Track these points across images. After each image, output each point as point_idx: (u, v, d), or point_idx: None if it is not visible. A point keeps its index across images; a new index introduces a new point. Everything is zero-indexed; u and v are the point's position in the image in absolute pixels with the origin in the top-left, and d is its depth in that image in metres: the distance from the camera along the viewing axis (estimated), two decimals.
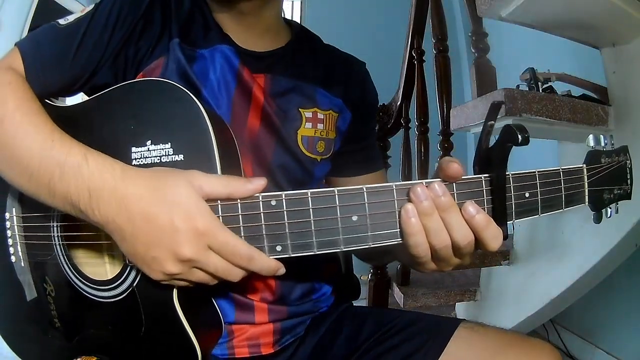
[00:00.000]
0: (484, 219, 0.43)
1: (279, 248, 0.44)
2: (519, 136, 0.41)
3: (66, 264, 0.56)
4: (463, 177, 0.44)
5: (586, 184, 0.50)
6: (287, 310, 0.66)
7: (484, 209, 0.44)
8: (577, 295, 1.44)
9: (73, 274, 0.56)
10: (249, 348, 0.64)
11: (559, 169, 0.48)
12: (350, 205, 0.43)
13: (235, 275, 0.45)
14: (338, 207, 0.43)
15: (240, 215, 0.44)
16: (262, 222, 0.44)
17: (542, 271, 1.46)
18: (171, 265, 0.43)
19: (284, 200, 0.43)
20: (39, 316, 0.59)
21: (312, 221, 0.43)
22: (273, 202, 0.44)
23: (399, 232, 0.44)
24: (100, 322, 0.54)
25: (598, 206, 0.53)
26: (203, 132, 0.47)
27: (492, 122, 0.44)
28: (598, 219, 0.53)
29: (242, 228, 0.44)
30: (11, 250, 0.61)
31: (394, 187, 0.44)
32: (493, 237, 0.43)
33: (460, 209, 0.43)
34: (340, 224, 0.43)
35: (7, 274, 0.61)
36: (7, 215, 0.61)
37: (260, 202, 0.44)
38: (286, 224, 0.44)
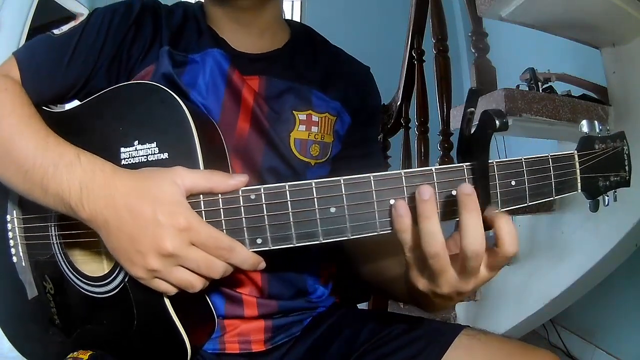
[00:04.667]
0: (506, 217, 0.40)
1: (259, 241, 0.45)
2: (497, 121, 0.40)
3: (63, 262, 0.57)
4: (444, 166, 0.43)
5: (578, 170, 0.48)
6: (277, 304, 0.65)
7: None
8: (577, 295, 1.44)
9: (70, 271, 0.57)
10: (239, 344, 0.64)
11: (547, 156, 0.46)
12: (328, 197, 0.44)
13: (217, 269, 0.45)
14: (315, 199, 0.44)
15: (221, 210, 0.45)
16: (243, 215, 0.45)
17: (542, 271, 1.46)
18: (153, 260, 0.44)
19: (262, 193, 0.44)
20: (40, 314, 0.60)
21: (290, 213, 0.44)
22: (252, 196, 0.45)
23: (377, 223, 0.44)
24: (96, 317, 0.55)
25: (593, 194, 0.50)
26: (186, 131, 0.49)
27: (472, 109, 0.43)
28: (595, 207, 0.51)
29: (223, 222, 0.45)
30: (12, 250, 0.62)
31: (372, 178, 0.43)
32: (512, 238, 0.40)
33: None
34: (318, 215, 0.44)
35: (8, 274, 0.62)
36: (9, 217, 0.62)
37: (240, 197, 0.45)
38: (265, 216, 0.44)
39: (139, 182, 0.46)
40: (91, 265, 0.56)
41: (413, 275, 0.45)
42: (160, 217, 0.43)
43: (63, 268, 0.57)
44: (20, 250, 0.62)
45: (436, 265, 0.41)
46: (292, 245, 0.45)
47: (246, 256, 0.45)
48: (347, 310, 0.72)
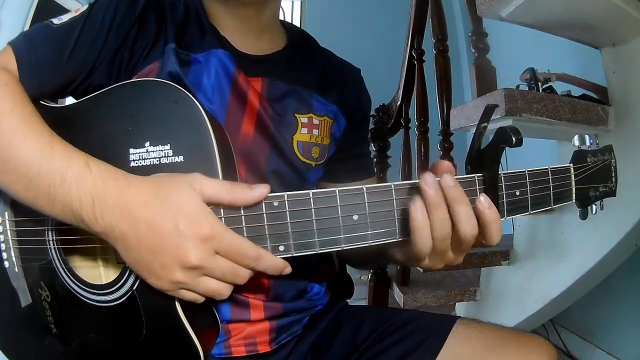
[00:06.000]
0: (495, 212, 0.45)
1: (281, 248, 0.45)
2: (513, 138, 0.44)
3: (62, 268, 0.55)
4: (457, 177, 0.45)
5: (573, 182, 0.53)
6: (282, 306, 0.66)
7: None
8: (577, 295, 1.44)
9: (70, 278, 0.55)
10: (245, 347, 0.64)
11: (547, 169, 0.50)
12: (350, 205, 0.45)
13: (243, 276, 0.44)
14: (339, 207, 0.44)
15: (243, 216, 0.44)
16: (265, 222, 0.44)
17: (542, 271, 1.46)
18: (178, 273, 0.42)
19: (286, 201, 0.44)
20: (34, 322, 0.58)
21: (314, 221, 0.44)
22: (275, 203, 0.44)
23: (397, 230, 0.45)
24: (98, 326, 0.53)
25: (584, 203, 0.55)
26: (203, 134, 0.47)
27: (486, 124, 0.46)
28: (584, 216, 0.55)
29: (245, 229, 0.44)
30: (4, 255, 0.59)
31: (393, 187, 0.45)
32: (498, 232, 0.45)
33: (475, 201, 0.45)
34: (341, 222, 0.45)
35: (0, 280, 0.59)
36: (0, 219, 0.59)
37: (263, 204, 0.44)
38: (289, 224, 0.44)
39: (155, 190, 0.43)
40: (93, 272, 0.54)
41: (418, 262, 0.48)
42: (181, 226, 0.41)
43: (62, 275, 0.55)
44: (13, 254, 0.58)
45: (443, 246, 0.45)
46: (314, 252, 0.45)
47: (273, 262, 0.45)
48: (343, 306, 0.74)
